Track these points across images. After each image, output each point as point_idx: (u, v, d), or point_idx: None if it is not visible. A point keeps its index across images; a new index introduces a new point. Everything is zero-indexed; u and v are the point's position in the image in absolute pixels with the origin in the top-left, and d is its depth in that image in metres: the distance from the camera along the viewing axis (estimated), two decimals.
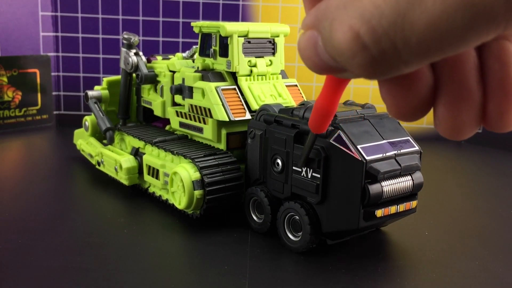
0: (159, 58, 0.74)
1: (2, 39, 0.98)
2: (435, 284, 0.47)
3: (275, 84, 0.62)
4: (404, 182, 0.49)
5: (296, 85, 0.65)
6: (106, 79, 0.80)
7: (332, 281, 0.47)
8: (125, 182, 0.67)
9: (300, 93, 0.65)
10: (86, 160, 0.80)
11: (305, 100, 0.60)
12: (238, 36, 0.60)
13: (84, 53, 1.04)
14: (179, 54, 0.70)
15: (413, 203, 0.51)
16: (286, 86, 0.64)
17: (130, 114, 0.77)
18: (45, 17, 1.02)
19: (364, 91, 1.05)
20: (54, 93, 1.06)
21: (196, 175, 0.55)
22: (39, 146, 0.96)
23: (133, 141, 0.69)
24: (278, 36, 0.63)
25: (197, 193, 0.55)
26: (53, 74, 1.04)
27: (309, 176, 0.49)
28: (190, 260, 0.50)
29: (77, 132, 0.84)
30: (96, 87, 0.79)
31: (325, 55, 0.21)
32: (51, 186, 0.71)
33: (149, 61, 0.74)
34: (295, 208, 0.51)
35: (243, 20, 1.02)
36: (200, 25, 0.63)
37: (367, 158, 0.46)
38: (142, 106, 0.75)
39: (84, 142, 0.79)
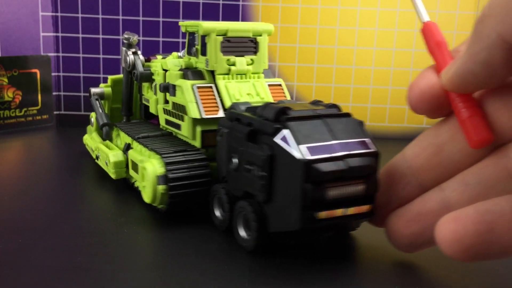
0: (159, 57, 0.74)
1: (2, 39, 0.98)
2: (435, 284, 0.47)
3: (255, 83, 0.63)
4: (353, 185, 0.47)
5: (280, 85, 0.65)
6: (110, 77, 0.82)
7: (332, 281, 0.47)
8: (112, 175, 0.69)
9: (283, 92, 0.65)
10: (86, 160, 0.81)
11: (286, 99, 0.60)
12: (216, 35, 0.61)
13: (84, 53, 1.04)
14: (175, 53, 0.71)
15: (367, 207, 0.48)
16: (270, 85, 0.64)
17: (133, 111, 0.79)
18: (45, 17, 1.02)
19: (364, 91, 1.05)
20: (54, 93, 1.06)
21: (161, 170, 0.57)
22: (39, 146, 0.96)
23: (125, 137, 0.71)
24: (260, 35, 0.63)
25: (160, 188, 0.56)
26: (53, 74, 1.05)
27: (258, 175, 0.49)
28: (190, 260, 0.50)
29: (89, 127, 0.86)
30: (101, 85, 0.82)
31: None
32: (51, 186, 0.72)
33: (149, 60, 0.75)
34: (245, 206, 0.51)
35: (243, 20, 1.02)
36: (185, 24, 0.65)
37: (308, 157, 0.45)
38: (143, 103, 0.77)
39: (89, 137, 0.82)
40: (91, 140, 0.80)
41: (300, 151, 0.45)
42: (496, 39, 0.36)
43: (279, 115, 0.48)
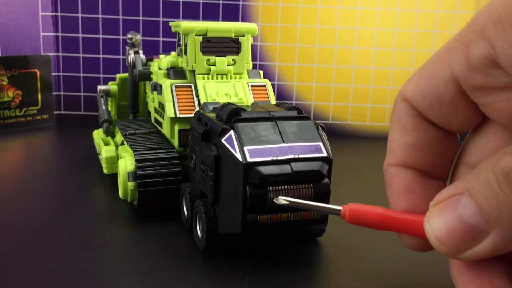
0: (162, 57, 0.75)
1: (2, 39, 0.98)
2: (435, 284, 0.47)
3: (235, 84, 0.62)
4: (299, 189, 0.45)
5: (264, 86, 0.64)
6: (118, 76, 0.84)
7: (332, 282, 0.47)
8: (104, 170, 0.70)
9: (266, 93, 0.64)
10: (85, 160, 0.81)
11: (266, 101, 0.60)
12: (196, 35, 0.61)
13: (84, 53, 1.04)
14: (173, 53, 0.72)
15: (317, 213, 0.46)
16: (253, 86, 0.63)
17: (139, 108, 0.81)
18: (45, 17, 1.02)
19: (364, 91, 1.05)
20: (54, 93, 1.06)
21: (131, 166, 0.58)
22: (39, 146, 0.96)
23: (120, 133, 0.72)
24: (243, 36, 0.63)
25: (131, 184, 0.58)
26: (53, 74, 1.05)
27: (208, 175, 0.49)
28: (190, 262, 0.50)
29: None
30: (110, 83, 0.84)
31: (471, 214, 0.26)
32: (51, 186, 0.71)
33: (152, 60, 0.77)
34: (199, 206, 0.51)
35: (243, 20, 1.02)
36: (172, 24, 0.65)
37: (249, 160, 0.44)
38: (147, 101, 0.78)
39: (96, 132, 0.84)
40: (97, 135, 0.82)
41: (242, 153, 0.45)
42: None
43: (231, 116, 0.48)
